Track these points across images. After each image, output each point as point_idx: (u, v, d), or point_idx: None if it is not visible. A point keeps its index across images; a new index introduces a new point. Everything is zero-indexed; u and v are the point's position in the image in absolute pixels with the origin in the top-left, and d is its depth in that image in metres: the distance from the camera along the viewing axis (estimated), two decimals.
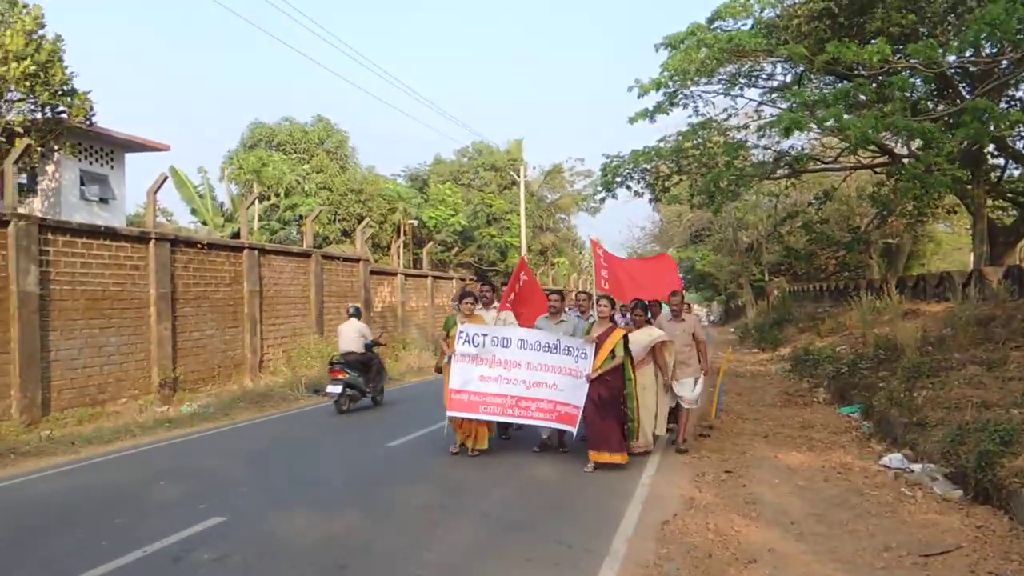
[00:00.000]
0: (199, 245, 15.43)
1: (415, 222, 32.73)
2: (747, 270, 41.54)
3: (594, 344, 8.05)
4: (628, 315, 9.45)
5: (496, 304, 9.56)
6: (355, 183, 31.20)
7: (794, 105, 15.61)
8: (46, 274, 11.66)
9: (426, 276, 26.94)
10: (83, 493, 7.39)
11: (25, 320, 11.09)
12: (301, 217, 27.00)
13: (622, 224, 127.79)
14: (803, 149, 22.28)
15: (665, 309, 9.70)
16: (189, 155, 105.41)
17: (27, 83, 13.64)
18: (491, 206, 40.08)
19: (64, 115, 14.76)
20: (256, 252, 17.02)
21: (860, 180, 28.85)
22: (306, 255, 19.29)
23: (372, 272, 23.06)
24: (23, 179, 16.39)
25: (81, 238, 12.47)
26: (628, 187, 22.69)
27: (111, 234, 13.26)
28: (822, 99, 14.74)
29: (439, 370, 9.18)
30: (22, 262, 11.09)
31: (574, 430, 8.18)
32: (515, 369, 8.30)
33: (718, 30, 18.57)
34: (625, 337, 8.14)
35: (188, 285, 14.83)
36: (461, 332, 8.46)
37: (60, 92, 14.56)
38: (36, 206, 16.78)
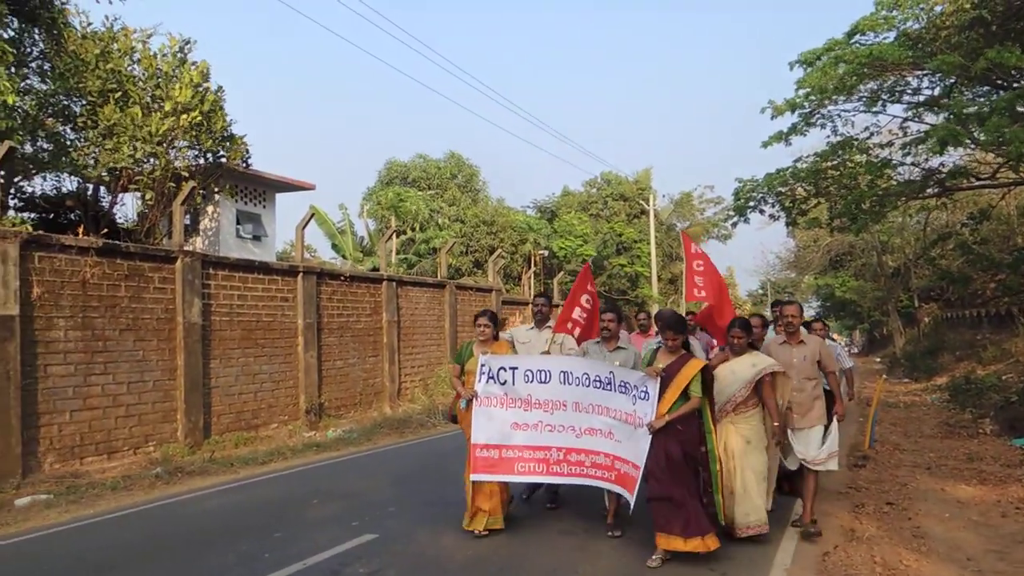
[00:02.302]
0: (342, 278, 16.18)
1: (545, 252, 33.01)
2: (894, 296, 39.17)
3: (658, 379, 5.72)
4: (707, 337, 7.56)
5: (552, 323, 7.40)
6: (486, 215, 31.87)
7: (949, 117, 14.72)
8: (208, 306, 12.51)
9: (557, 306, 27.03)
10: (244, 509, 7.80)
11: (190, 349, 11.92)
12: (435, 250, 27.80)
13: (755, 251, 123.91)
14: (955, 165, 20.94)
15: (770, 332, 7.62)
16: (329, 193, 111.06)
17: (193, 132, 14.78)
18: (620, 235, 39.87)
19: (224, 159, 15.88)
20: (394, 284, 17.66)
21: (1021, 198, 26.75)
22: (441, 286, 19.84)
23: (504, 302, 23.41)
24: (187, 220, 17.72)
25: (238, 272, 13.34)
26: (762, 211, 21.96)
27: (264, 268, 14.12)
28: (980, 111, 13.82)
29: (454, 419, 7.01)
30: (187, 295, 11.95)
31: (632, 497, 5.68)
32: (560, 412, 6.21)
33: (857, 45, 17.83)
34: (706, 370, 5.82)
35: (332, 316, 15.54)
36: (483, 366, 6.31)
37: (221, 138, 15.69)
38: (198, 244, 18.11)
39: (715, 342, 7.77)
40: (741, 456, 5.96)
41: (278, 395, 13.77)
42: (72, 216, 15.56)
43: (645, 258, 39.33)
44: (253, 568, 5.55)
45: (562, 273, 32.21)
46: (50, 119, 13.44)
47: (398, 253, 28.18)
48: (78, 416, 10.16)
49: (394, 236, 25.69)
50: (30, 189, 15.66)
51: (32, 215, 15.49)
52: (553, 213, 39.20)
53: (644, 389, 5.75)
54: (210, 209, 18.37)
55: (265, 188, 19.87)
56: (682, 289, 46.73)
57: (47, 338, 9.85)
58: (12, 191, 14.76)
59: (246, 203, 19.29)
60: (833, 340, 9.57)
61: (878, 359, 39.67)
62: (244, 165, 16.68)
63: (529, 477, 6.32)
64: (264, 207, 19.90)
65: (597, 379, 6.05)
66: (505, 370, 6.31)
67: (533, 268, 31.36)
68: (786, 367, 6.28)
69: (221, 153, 15.81)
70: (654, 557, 5.51)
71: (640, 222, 40.98)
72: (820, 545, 5.92)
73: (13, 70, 12.25)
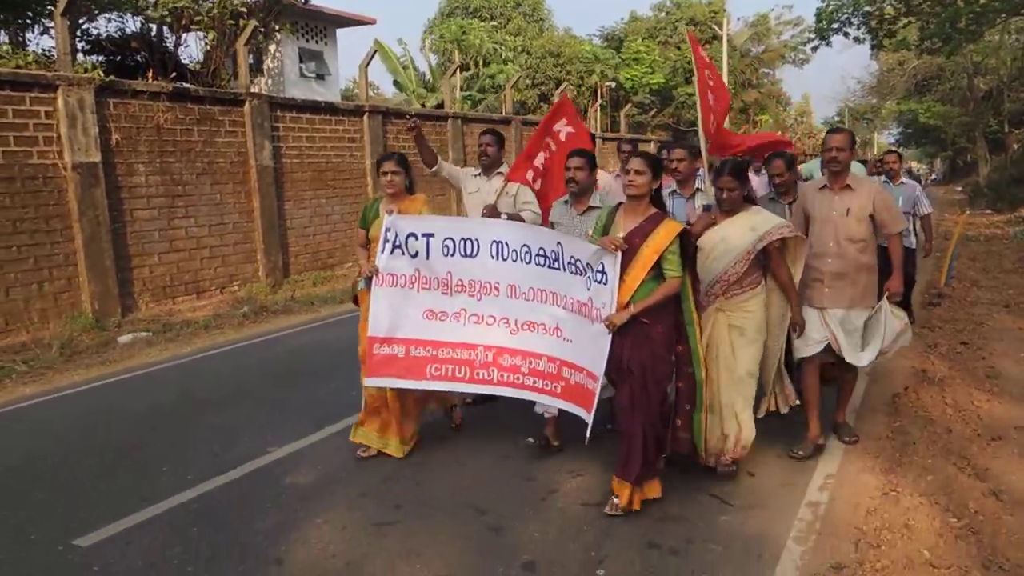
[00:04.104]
0: (407, 116, 16.01)
1: (612, 84, 31.88)
2: (982, 121, 36.89)
3: (619, 253, 3.98)
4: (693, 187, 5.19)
5: (504, 168, 5.65)
6: (552, 46, 30.68)
7: None
8: (278, 149, 12.64)
9: (624, 139, 26.44)
10: (331, 348, 8.23)
11: (264, 192, 12.19)
12: (500, 85, 27.14)
13: (833, 76, 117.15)
14: None
15: (811, 167, 6.46)
16: (391, 27, 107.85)
17: None
18: (690, 63, 38.04)
19: None
20: (459, 121, 17.43)
21: None
22: (507, 122, 19.51)
23: None
24: (251, 60, 17.59)
25: (305, 114, 13.33)
26: (846, 34, 20.62)
27: (331, 109, 14.07)
28: None
29: (355, 300, 5.12)
30: (258, 138, 12.06)
31: (589, 417, 4.06)
32: (490, 298, 4.55)
33: None
34: (685, 237, 4.04)
35: None
36: (387, 231, 4.58)
37: None
38: (263, 84, 18.06)
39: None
40: (728, 356, 4.36)
41: (350, 235, 14.11)
42: (138, 58, 15.59)
43: None
44: (348, 400, 5.93)
45: (629, 105, 31.20)
46: None
47: (462, 89, 27.61)
48: (166, 258, 10.66)
49: (457, 72, 25.08)
50: (95, 31, 15.67)
51: (99, 58, 15.57)
52: (620, 41, 37.44)
53: (600, 268, 4.03)
54: (272, 48, 18.14)
55: (326, 24, 19.42)
56: (759, 120, 44.58)
57: (130, 183, 10.18)
58: (78, 34, 14.78)
59: (307, 40, 18.95)
60: (912, 180, 8.14)
61: (959, 188, 38.10)
62: (303, 1, 16.23)
63: (444, 383, 4.62)
64: (326, 44, 19.54)
65: (541, 253, 4.32)
66: (417, 237, 4.55)
67: (600, 100, 30.44)
68: (822, 223, 4.66)
69: None
70: (611, 503, 3.99)
71: (712, 47, 38.84)
72: (889, 386, 5.97)
73: None
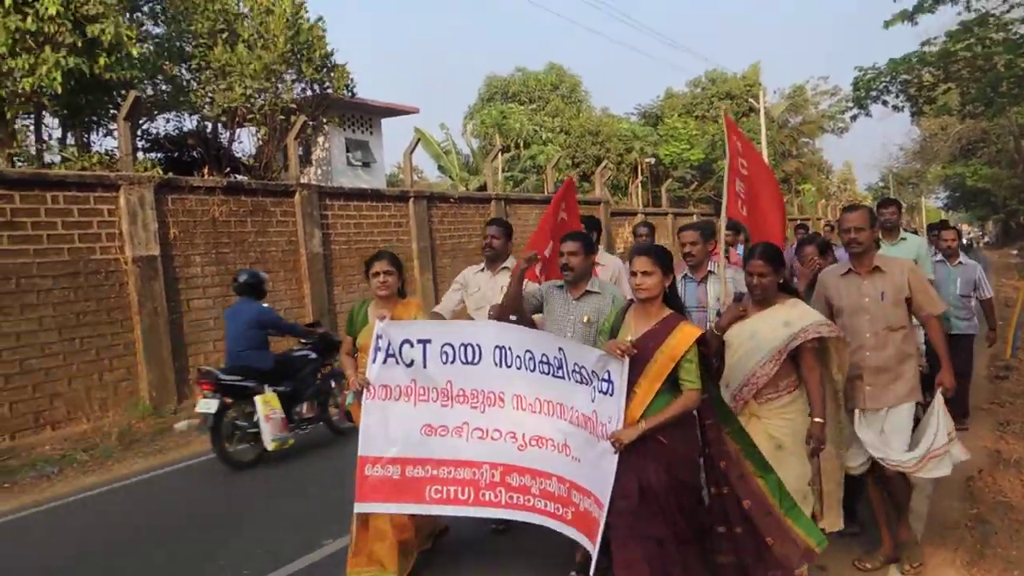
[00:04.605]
0: (452, 200, 16.36)
1: (652, 160, 32.24)
2: None
3: (626, 360, 3.49)
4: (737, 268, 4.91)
5: (511, 262, 5.23)
6: (591, 125, 31.28)
7: None
8: (327, 236, 12.95)
9: (666, 214, 26.56)
10: None
11: (314, 278, 12.44)
12: (540, 166, 27.63)
13: (875, 143, 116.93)
14: None
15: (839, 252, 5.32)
16: (433, 114, 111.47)
17: (295, 63, 15.05)
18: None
19: (329, 89, 16.12)
20: (502, 202, 17.71)
21: None
22: (548, 201, 19.75)
23: (612, 213, 23.14)
24: (300, 151, 18.24)
25: (353, 201, 13.70)
26: (884, 102, 20.60)
27: (377, 195, 14.44)
28: None
29: (348, 416, 5.11)
30: (307, 226, 12.38)
31: (594, 549, 3.50)
32: (495, 410, 4.01)
33: None
34: (704, 344, 3.55)
35: (444, 238, 15.80)
36: (379, 338, 4.10)
37: (323, 67, 15.90)
38: (312, 174, 18.65)
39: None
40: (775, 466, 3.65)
41: None
42: (194, 153, 16.26)
43: None
44: None
45: (669, 180, 31.43)
46: (167, 63, 13.91)
47: (504, 171, 28.17)
48: (221, 345, 10.82)
49: (499, 154, 25.65)
50: (154, 130, 16.45)
51: (158, 155, 16.29)
52: (657, 118, 38.00)
53: (605, 377, 3.56)
54: (320, 139, 18.79)
55: (371, 115, 20.11)
56: (801, 190, 44.37)
57: (187, 274, 10.48)
58: (138, 133, 15.52)
59: (354, 131, 19.61)
60: (971, 260, 6.98)
61: (1015, 251, 37.17)
62: (349, 94, 16.87)
63: (446, 507, 4.04)
64: (371, 133, 20.19)
65: (544, 360, 3.82)
66: (412, 344, 4.06)
67: (640, 177, 30.75)
68: (852, 312, 4.11)
69: (326, 84, 16.04)
70: None
71: (749, 120, 39.18)
72: (962, 469, 5.70)
73: (128, 16, 12.68)
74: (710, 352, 3.63)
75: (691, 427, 3.58)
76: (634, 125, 34.52)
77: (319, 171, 18.92)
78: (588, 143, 30.73)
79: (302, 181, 13.38)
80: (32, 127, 11.63)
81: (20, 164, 10.64)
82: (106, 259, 9.38)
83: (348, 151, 19.27)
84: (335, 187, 14.43)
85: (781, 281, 3.95)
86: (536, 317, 4.54)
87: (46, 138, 12.00)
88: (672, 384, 3.49)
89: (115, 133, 12.43)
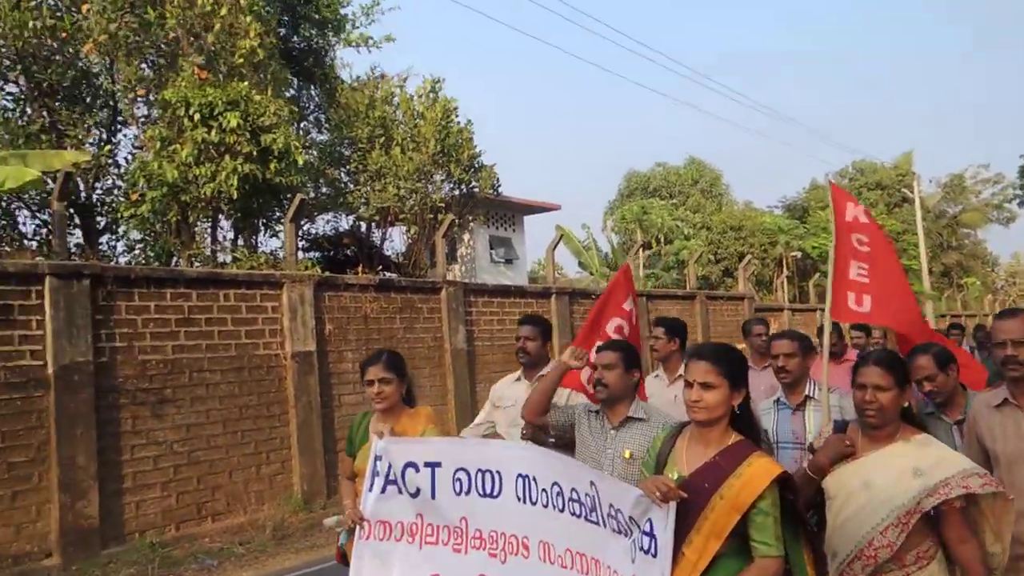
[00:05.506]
0: (594, 296, 16.30)
1: (797, 254, 31.21)
2: None
3: (672, 505, 2.50)
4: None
5: (550, 365, 4.26)
6: (733, 220, 30.83)
7: None
8: (470, 332, 13.13)
9: (814, 310, 25.37)
10: None
11: (458, 374, 12.57)
12: (682, 262, 27.34)
13: None
14: None
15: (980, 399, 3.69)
16: (574, 210, 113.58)
17: (444, 165, 15.77)
18: (881, 227, 36.58)
19: (475, 189, 16.72)
20: (644, 298, 17.47)
21: None
22: (691, 297, 19.35)
23: (756, 309, 22.35)
24: (446, 249, 18.93)
25: (496, 298, 13.90)
26: None
27: (519, 292, 14.60)
28: None
29: (343, 558, 3.75)
30: (452, 322, 12.62)
31: None
32: (516, 560, 3.02)
33: None
34: (788, 483, 2.55)
35: None
36: (376, 460, 3.33)
37: (470, 168, 16.57)
38: (457, 271, 19.22)
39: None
40: None
41: None
42: (348, 252, 17.16)
43: (912, 251, 35.83)
44: None
45: (817, 275, 30.22)
46: (329, 168, 14.90)
47: (645, 267, 28.05)
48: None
49: (640, 250, 25.61)
50: (314, 230, 17.53)
51: (316, 254, 17.29)
52: (803, 210, 37.01)
53: (647, 529, 2.57)
54: (466, 237, 19.42)
55: (514, 212, 20.66)
56: (964, 284, 41.83)
57: (339, 369, 10.83)
58: (300, 234, 16.59)
59: (497, 228, 20.16)
60: None
61: None
62: (494, 193, 17.43)
63: None
64: (514, 230, 20.68)
65: (574, 498, 2.84)
66: (418, 469, 3.21)
67: (786, 272, 29.74)
68: (1012, 461, 2.99)
69: (473, 183, 16.65)
70: None
71: (902, 212, 37.46)
72: None
73: (296, 125, 13.76)
74: (799, 500, 2.62)
75: None
76: (778, 218, 33.73)
77: (464, 268, 19.48)
78: (730, 238, 30.21)
79: (448, 278, 13.76)
80: (209, 230, 12.63)
81: (197, 264, 11.50)
82: (268, 354, 9.85)
83: (491, 248, 19.79)
84: (479, 284, 14.74)
85: (906, 405, 2.85)
86: None
87: (220, 240, 12.97)
88: (742, 544, 2.48)
89: (280, 234, 13.32)
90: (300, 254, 16.16)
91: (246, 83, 11.48)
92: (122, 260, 13.86)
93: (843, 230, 3.80)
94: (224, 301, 9.52)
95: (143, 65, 12.40)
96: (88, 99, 13.30)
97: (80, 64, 12.77)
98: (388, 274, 13.57)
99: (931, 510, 2.64)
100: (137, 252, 13.90)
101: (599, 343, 3.63)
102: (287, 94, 14.25)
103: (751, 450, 2.56)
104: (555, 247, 15.94)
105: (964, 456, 2.84)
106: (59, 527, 7.50)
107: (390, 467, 3.25)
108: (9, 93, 12.54)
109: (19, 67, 11.95)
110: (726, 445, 2.59)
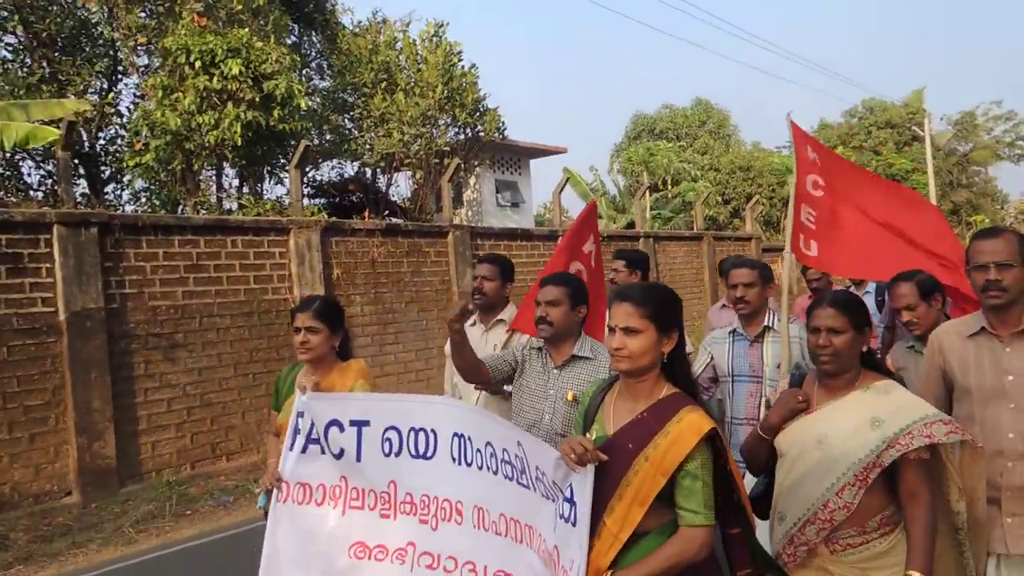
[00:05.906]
0: (600, 238, 16.31)
1: None
2: None
3: (590, 468, 2.17)
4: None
5: (509, 313, 4.21)
6: (741, 161, 30.55)
7: None
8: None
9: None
10: None
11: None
12: (689, 203, 27.21)
13: None
14: None
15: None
16: (580, 154, 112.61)
17: (448, 109, 15.64)
18: (891, 166, 36.31)
19: (480, 133, 16.60)
20: (651, 240, 17.48)
21: None
22: (698, 238, 19.34)
23: (764, 250, 22.31)
24: (452, 193, 18.90)
25: (503, 240, 13.92)
26: None
27: (526, 235, 14.61)
28: None
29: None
30: (459, 266, 12.69)
31: None
32: (449, 526, 2.66)
33: None
34: (717, 440, 2.18)
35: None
36: (299, 416, 3.00)
37: (474, 111, 16.43)
38: (463, 215, 19.21)
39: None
40: None
41: None
42: (354, 198, 17.15)
43: (921, 189, 35.49)
44: None
45: None
46: (332, 114, 14.81)
47: (652, 209, 27.93)
48: (379, 382, 11.20)
49: (647, 192, 25.49)
50: (319, 177, 17.51)
51: (322, 200, 17.31)
52: None
53: (568, 495, 2.28)
54: (471, 181, 19.36)
55: (520, 156, 20.54)
56: (973, 221, 41.72)
57: (348, 313, 10.84)
58: (305, 180, 16.58)
59: (503, 172, 20.08)
60: None
61: None
62: (500, 136, 17.29)
63: None
64: (520, 174, 20.59)
65: (506, 459, 2.52)
66: (343, 428, 2.90)
67: None
68: (986, 398, 2.69)
69: (478, 127, 16.53)
70: None
71: (912, 150, 36.96)
72: None
73: (298, 72, 13.65)
74: (728, 458, 2.21)
75: None
76: (787, 158, 33.40)
77: (470, 212, 19.46)
78: (739, 179, 29.98)
79: (454, 222, 13.78)
80: (214, 178, 12.65)
81: (203, 212, 11.57)
82: (276, 299, 9.98)
83: (498, 192, 19.73)
84: (486, 227, 14.76)
85: (865, 350, 2.54)
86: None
87: (225, 187, 13.00)
88: (663, 508, 2.18)
89: (285, 181, 13.34)
90: (306, 201, 16.20)
91: (246, 30, 11.37)
92: (128, 209, 13.95)
93: (801, 171, 3.61)
94: (232, 247, 9.61)
95: (142, 13, 12.28)
96: (88, 48, 13.21)
97: (79, 14, 12.66)
98: (395, 219, 13.61)
99: (892, 467, 2.35)
100: (143, 201, 13.97)
101: (543, 278, 3.37)
102: (288, 41, 14.11)
103: (683, 403, 2.21)
104: (561, 190, 15.90)
105: (926, 402, 2.51)
106: (77, 467, 7.74)
107: (312, 425, 2.95)
108: (8, 44, 12.47)
109: (17, 17, 11.87)
110: (657, 399, 2.25)
